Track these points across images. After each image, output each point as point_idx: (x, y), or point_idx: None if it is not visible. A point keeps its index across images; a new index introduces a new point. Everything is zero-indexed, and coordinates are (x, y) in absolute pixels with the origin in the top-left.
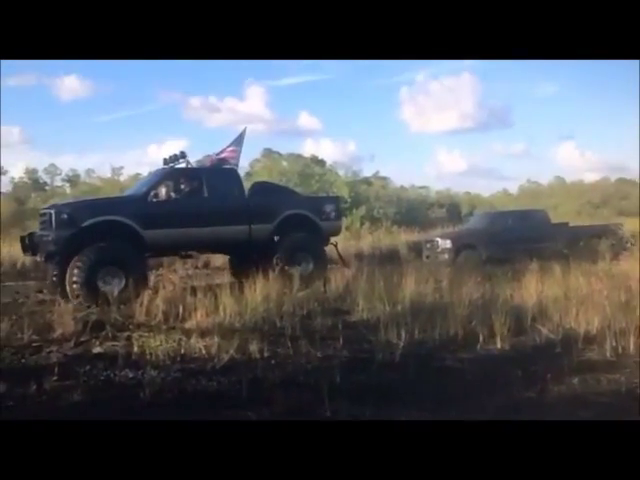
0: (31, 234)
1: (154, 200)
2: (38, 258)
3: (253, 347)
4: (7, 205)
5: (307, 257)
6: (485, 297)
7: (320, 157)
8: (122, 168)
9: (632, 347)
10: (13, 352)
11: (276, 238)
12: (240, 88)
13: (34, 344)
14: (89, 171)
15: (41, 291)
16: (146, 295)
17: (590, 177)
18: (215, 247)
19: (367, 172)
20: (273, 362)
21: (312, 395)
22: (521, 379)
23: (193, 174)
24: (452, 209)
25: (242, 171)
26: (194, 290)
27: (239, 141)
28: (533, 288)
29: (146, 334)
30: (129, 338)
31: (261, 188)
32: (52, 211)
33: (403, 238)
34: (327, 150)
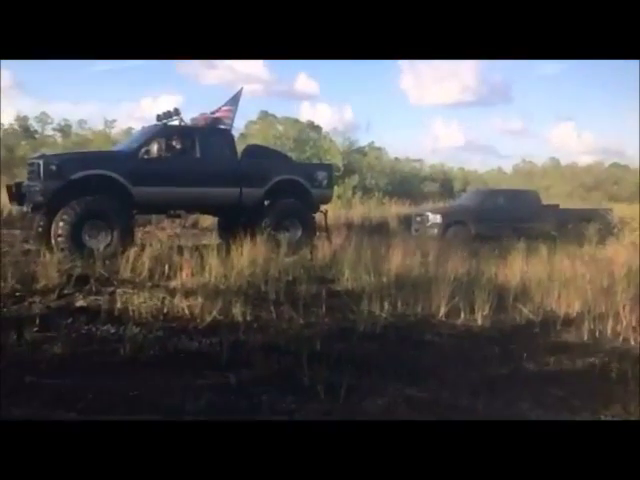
0: (18, 183)
1: (145, 157)
2: (25, 208)
3: (236, 310)
4: None
5: (296, 223)
6: (470, 274)
7: (316, 123)
8: (115, 121)
9: (609, 332)
10: None
11: (266, 202)
12: None
13: (17, 294)
14: (81, 122)
15: (27, 241)
16: (132, 252)
17: (585, 160)
18: (204, 208)
19: (362, 141)
20: (255, 326)
21: (292, 360)
22: (498, 356)
23: (186, 133)
24: (445, 184)
25: (237, 132)
26: (181, 249)
27: (235, 101)
28: (518, 268)
29: (130, 290)
30: (113, 293)
31: (254, 151)
32: (41, 161)
33: (394, 210)
34: (323, 116)
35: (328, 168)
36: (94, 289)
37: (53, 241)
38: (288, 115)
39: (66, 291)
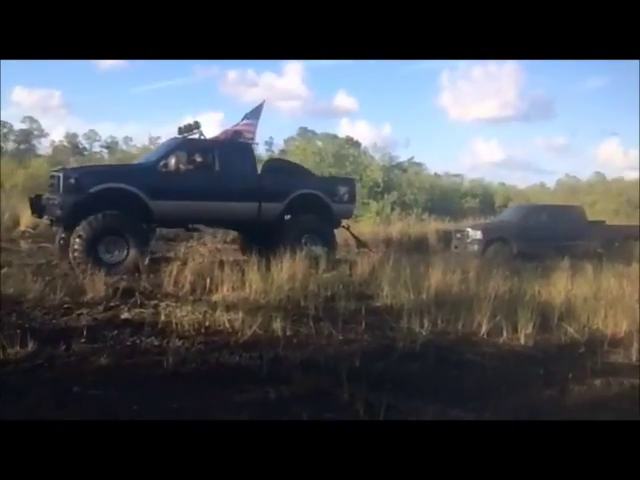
0: (38, 196)
1: (164, 170)
2: (45, 220)
3: (276, 325)
4: (46, 168)
5: (315, 238)
6: (512, 292)
7: (355, 139)
8: (159, 138)
9: None
10: (45, 312)
11: (286, 217)
12: (278, 63)
13: (65, 306)
14: (127, 139)
15: None
16: (175, 266)
17: (631, 175)
18: (223, 223)
19: (402, 157)
20: (295, 341)
21: (331, 377)
22: (542, 377)
23: (205, 146)
24: (485, 200)
25: (277, 148)
26: (222, 264)
27: (256, 115)
28: (562, 286)
29: (173, 304)
30: (156, 307)
31: (274, 166)
32: (60, 174)
33: (433, 226)
34: (362, 132)
35: (350, 182)
36: (139, 302)
37: (70, 256)
38: (327, 131)
39: (112, 304)
